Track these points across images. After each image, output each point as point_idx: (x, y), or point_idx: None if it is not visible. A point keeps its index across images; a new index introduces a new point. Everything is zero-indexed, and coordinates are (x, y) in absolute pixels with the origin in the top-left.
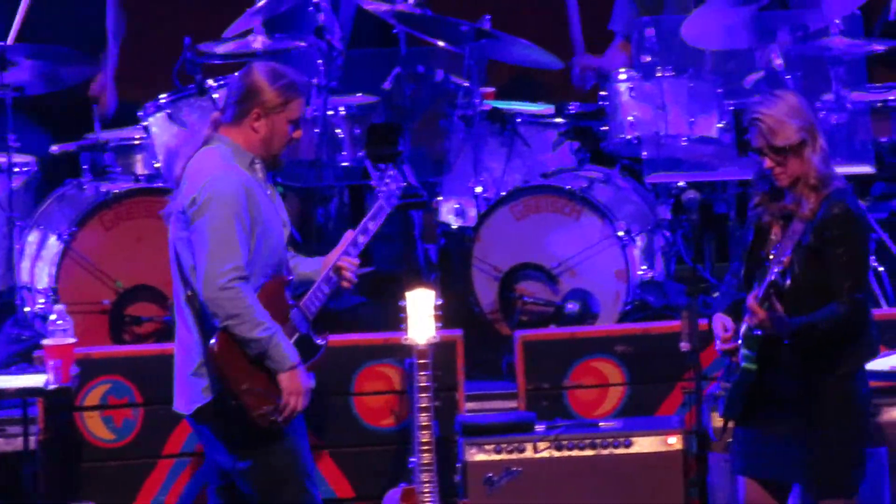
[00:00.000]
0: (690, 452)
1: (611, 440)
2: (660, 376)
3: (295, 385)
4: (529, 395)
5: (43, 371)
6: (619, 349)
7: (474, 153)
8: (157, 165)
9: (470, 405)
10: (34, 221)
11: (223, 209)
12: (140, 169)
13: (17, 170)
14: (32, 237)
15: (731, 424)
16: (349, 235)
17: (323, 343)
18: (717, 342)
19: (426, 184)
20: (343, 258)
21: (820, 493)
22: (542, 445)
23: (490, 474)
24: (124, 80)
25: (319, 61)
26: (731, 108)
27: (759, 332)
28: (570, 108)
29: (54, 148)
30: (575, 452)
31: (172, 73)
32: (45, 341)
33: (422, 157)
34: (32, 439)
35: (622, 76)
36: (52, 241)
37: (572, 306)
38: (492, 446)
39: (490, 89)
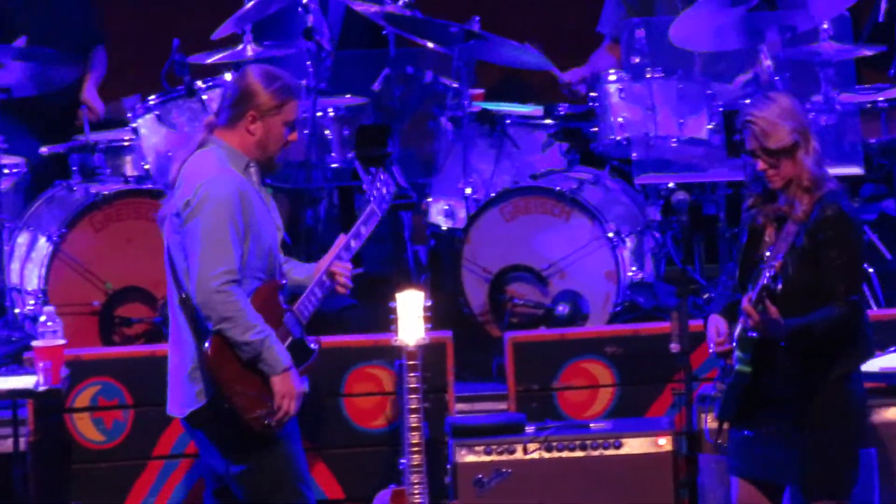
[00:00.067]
0: (680, 454)
1: (601, 441)
2: (650, 377)
3: (288, 388)
4: (519, 397)
5: (33, 372)
6: (609, 350)
7: (464, 154)
8: (146, 167)
9: (460, 406)
10: (24, 223)
11: (217, 212)
12: (129, 170)
13: (6, 171)
14: (22, 239)
15: (726, 426)
16: (342, 240)
17: (316, 347)
18: (711, 340)
19: (415, 185)
20: (336, 263)
21: (813, 493)
22: (532, 447)
23: (480, 476)
24: (113, 82)
25: (308, 63)
26: (721, 109)
27: (753, 335)
28: (559, 109)
29: (43, 150)
30: (565, 454)
31: (161, 74)
32: (35, 343)
33: (411, 159)
34: (22, 441)
35: (612, 77)
36: (42, 242)
37: (562, 308)
38: (482, 448)
39: (479, 91)
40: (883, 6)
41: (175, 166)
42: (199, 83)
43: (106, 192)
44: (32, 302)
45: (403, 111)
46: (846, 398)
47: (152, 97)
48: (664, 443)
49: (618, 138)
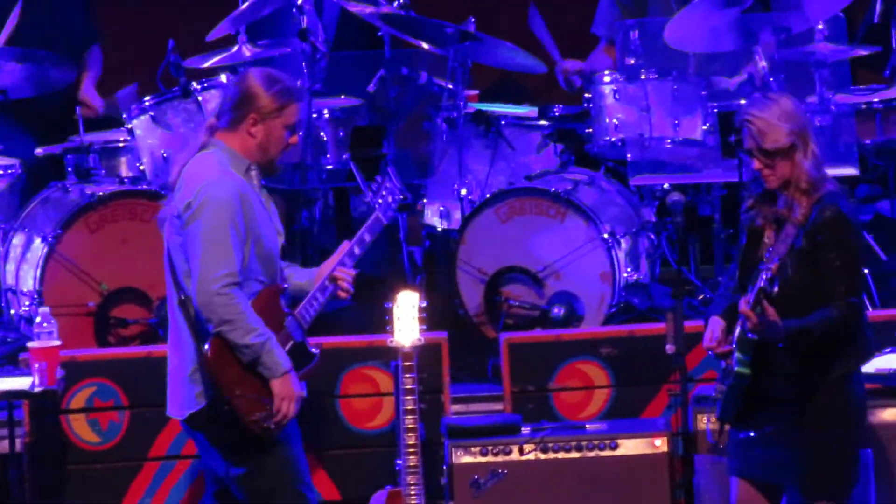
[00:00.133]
0: (676, 455)
1: (597, 442)
2: (645, 378)
3: (287, 391)
4: (515, 398)
5: (28, 373)
6: (604, 351)
7: (459, 155)
8: (141, 168)
9: (456, 407)
10: (19, 224)
11: (218, 214)
12: (125, 171)
13: (1, 172)
14: (17, 240)
15: (726, 427)
16: (345, 246)
17: (317, 352)
18: (706, 343)
19: (411, 186)
20: (339, 268)
21: (813, 494)
22: (528, 448)
23: (476, 476)
24: (110, 83)
25: (303, 64)
26: (715, 110)
27: (753, 336)
28: (554, 110)
29: (39, 151)
30: (561, 455)
31: (156, 75)
32: (31, 344)
33: (406, 160)
34: (18, 442)
35: (606, 78)
36: (37, 243)
37: (558, 309)
38: (478, 448)
39: (474, 92)
40: (877, 7)
41: (176, 168)
42: (195, 84)
43: (101, 193)
44: (28, 303)
45: (398, 112)
46: (846, 399)
47: (148, 98)
48: (660, 444)
49: (612, 139)
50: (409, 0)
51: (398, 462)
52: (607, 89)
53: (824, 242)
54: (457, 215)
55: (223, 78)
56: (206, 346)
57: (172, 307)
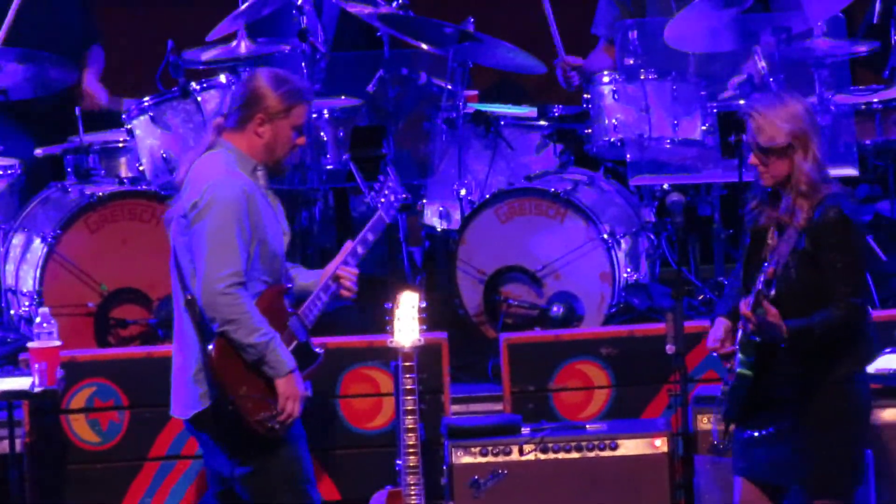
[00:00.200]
0: (676, 455)
1: (597, 443)
2: (645, 379)
3: (292, 390)
4: (515, 398)
5: (28, 374)
6: (604, 352)
7: (458, 156)
8: (140, 168)
9: (455, 408)
10: (18, 224)
11: (224, 214)
12: (124, 171)
13: (0, 172)
14: (17, 240)
15: (731, 427)
16: (348, 246)
17: (321, 352)
18: (710, 344)
19: (410, 186)
20: (342, 268)
21: (816, 493)
22: (527, 448)
23: (476, 477)
24: (110, 83)
25: (303, 64)
26: (715, 110)
27: (755, 338)
28: (553, 110)
29: (38, 151)
30: (561, 455)
31: (156, 76)
32: (31, 344)
33: (406, 160)
34: (18, 442)
35: (606, 79)
36: (37, 243)
37: (557, 309)
38: (478, 449)
39: (474, 92)
40: (877, 7)
41: (183, 168)
42: (194, 84)
43: (100, 194)
44: (27, 303)
45: (398, 112)
46: (850, 399)
47: (147, 98)
48: (660, 444)
49: (612, 140)
50: (409, 0)
51: (398, 462)
52: (606, 89)
53: (826, 244)
54: (456, 215)
55: (222, 78)
56: (211, 346)
57: (178, 307)
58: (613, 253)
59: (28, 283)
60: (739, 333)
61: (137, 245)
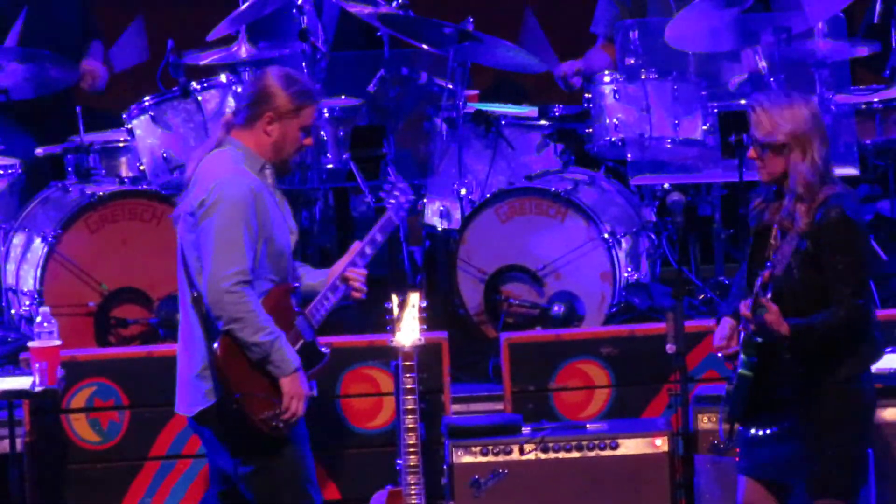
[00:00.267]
0: (677, 454)
1: (597, 442)
2: (646, 378)
3: (296, 389)
4: (515, 398)
5: (29, 373)
6: (604, 351)
7: (459, 155)
8: (141, 168)
9: (456, 407)
10: (19, 224)
11: (231, 212)
12: (124, 171)
13: (1, 172)
14: (17, 240)
15: (736, 426)
16: (357, 246)
17: (327, 351)
18: (715, 343)
19: (411, 186)
20: (351, 269)
21: (819, 492)
22: (528, 447)
23: (476, 476)
24: (110, 82)
25: (303, 64)
26: (715, 110)
27: (758, 339)
28: (554, 110)
29: (39, 151)
30: (561, 454)
31: (156, 75)
32: (31, 343)
33: (406, 160)
34: (18, 441)
35: (606, 78)
36: (37, 243)
37: (558, 308)
38: (478, 448)
39: (474, 91)
40: (877, 7)
41: (191, 165)
42: (194, 84)
43: (101, 193)
44: (28, 303)
45: (398, 112)
46: (853, 400)
47: (147, 98)
48: (660, 444)
49: (613, 139)
50: (408, 0)
51: (398, 462)
52: (607, 89)
53: (828, 244)
54: (457, 215)
55: (223, 78)
56: (216, 345)
57: (185, 305)
58: (614, 252)
59: (28, 282)
60: (742, 334)
61: (138, 245)
